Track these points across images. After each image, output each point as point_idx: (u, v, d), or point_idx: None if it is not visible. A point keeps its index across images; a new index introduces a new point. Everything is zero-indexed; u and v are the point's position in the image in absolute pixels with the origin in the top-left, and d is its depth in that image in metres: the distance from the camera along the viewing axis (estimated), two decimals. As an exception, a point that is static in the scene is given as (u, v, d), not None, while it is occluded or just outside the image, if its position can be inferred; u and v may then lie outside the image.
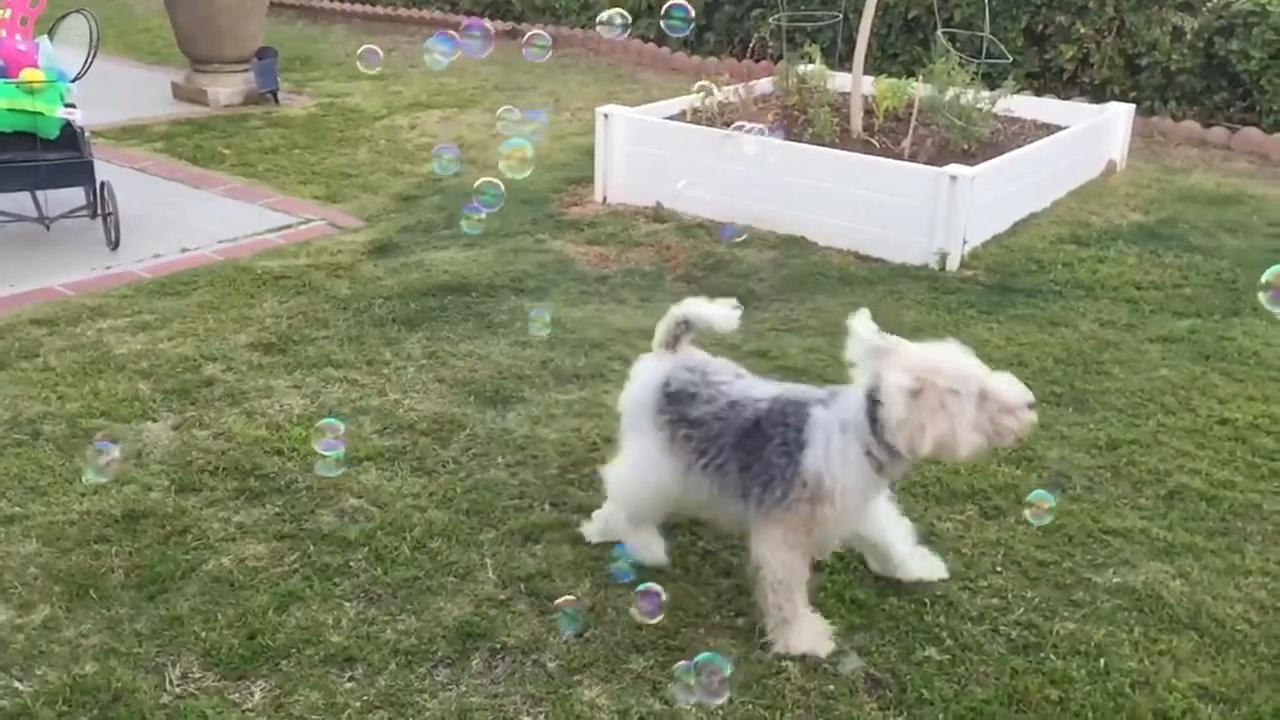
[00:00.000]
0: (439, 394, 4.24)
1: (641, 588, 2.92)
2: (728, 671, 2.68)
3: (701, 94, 6.72)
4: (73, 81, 5.61)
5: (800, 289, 5.34)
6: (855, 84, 6.73)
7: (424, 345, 4.65)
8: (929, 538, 3.36)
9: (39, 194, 5.79)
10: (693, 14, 3.82)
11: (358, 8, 13.35)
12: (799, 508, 2.79)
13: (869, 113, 6.78)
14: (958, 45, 7.54)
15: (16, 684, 2.78)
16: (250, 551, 3.29)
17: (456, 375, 4.39)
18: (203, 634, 2.95)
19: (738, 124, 5.54)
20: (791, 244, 5.89)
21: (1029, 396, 2.71)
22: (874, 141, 6.49)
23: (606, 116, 6.54)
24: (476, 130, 8.12)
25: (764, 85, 7.41)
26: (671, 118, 6.80)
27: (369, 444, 3.87)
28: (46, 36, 5.88)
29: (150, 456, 3.78)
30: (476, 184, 3.67)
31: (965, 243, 5.67)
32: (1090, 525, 3.48)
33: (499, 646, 2.93)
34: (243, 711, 2.72)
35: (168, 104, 9.03)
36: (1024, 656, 2.93)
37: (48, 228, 5.81)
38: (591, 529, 3.34)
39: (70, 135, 5.58)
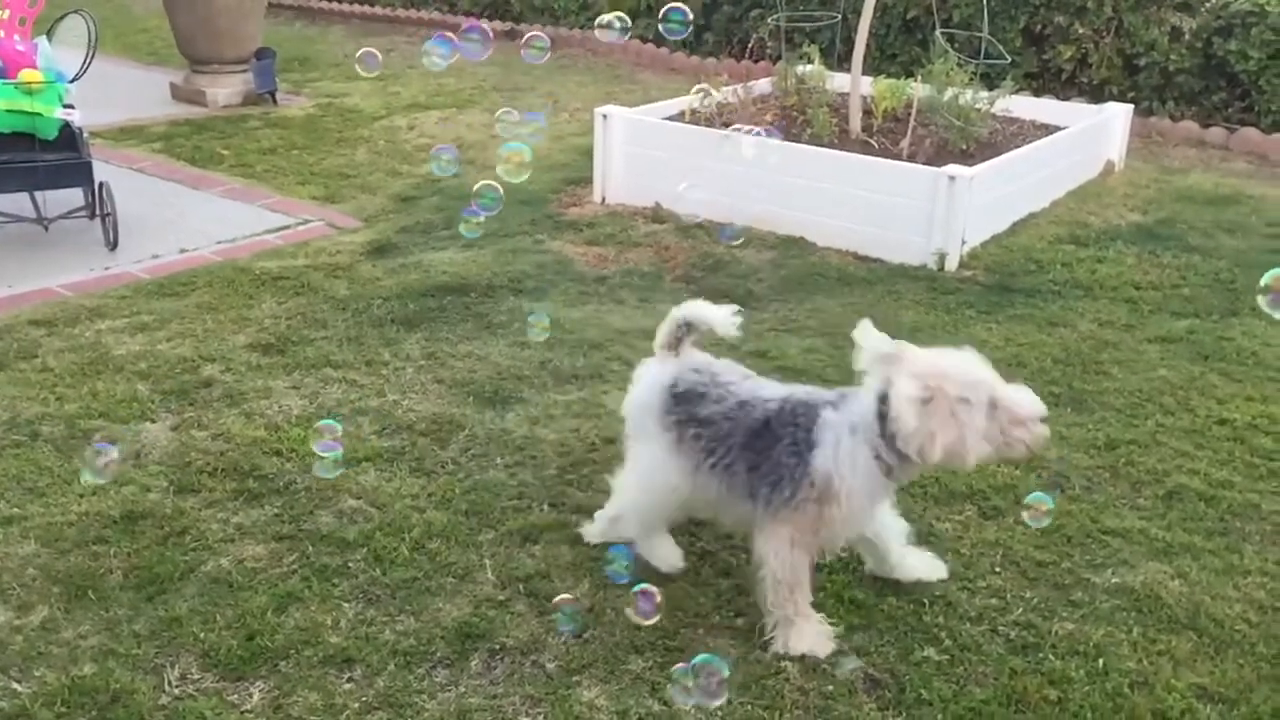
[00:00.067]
0: (438, 395, 4.24)
1: (638, 589, 2.92)
2: (725, 673, 2.68)
3: (700, 95, 6.72)
4: (71, 82, 5.61)
5: (799, 289, 5.34)
6: (854, 84, 6.73)
7: (423, 346, 4.65)
8: (928, 538, 3.37)
9: (37, 195, 5.79)
10: (690, 17, 3.82)
11: (356, 8, 13.35)
12: (807, 508, 2.79)
13: (868, 113, 6.78)
14: (956, 46, 7.55)
15: (15, 685, 2.78)
16: (249, 552, 3.29)
17: (455, 376, 4.39)
18: (201, 635, 2.95)
19: (735, 126, 5.54)
20: (790, 244, 5.89)
21: (1041, 409, 2.70)
22: (873, 142, 6.49)
23: (605, 117, 6.54)
24: (475, 131, 8.12)
25: (763, 86, 7.41)
26: (670, 118, 6.80)
27: (368, 445, 3.86)
28: (45, 37, 5.88)
29: (149, 457, 3.78)
30: (475, 188, 3.67)
31: (964, 243, 5.67)
32: (1089, 525, 3.48)
33: (498, 647, 2.93)
34: (241, 712, 2.71)
35: (166, 105, 9.03)
36: (1023, 657, 2.93)
37: (46, 228, 5.81)
38: (592, 530, 3.33)
39: (69, 136, 5.57)
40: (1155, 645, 2.97)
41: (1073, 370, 4.53)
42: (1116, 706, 2.76)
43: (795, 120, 6.80)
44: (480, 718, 2.71)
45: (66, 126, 5.54)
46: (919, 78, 6.88)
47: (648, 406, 3.04)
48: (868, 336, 2.77)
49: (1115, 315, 5.08)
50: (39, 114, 5.41)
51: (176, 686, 2.79)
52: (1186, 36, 8.20)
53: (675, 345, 3.10)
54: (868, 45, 6.98)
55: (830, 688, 2.80)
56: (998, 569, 3.27)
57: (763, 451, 2.84)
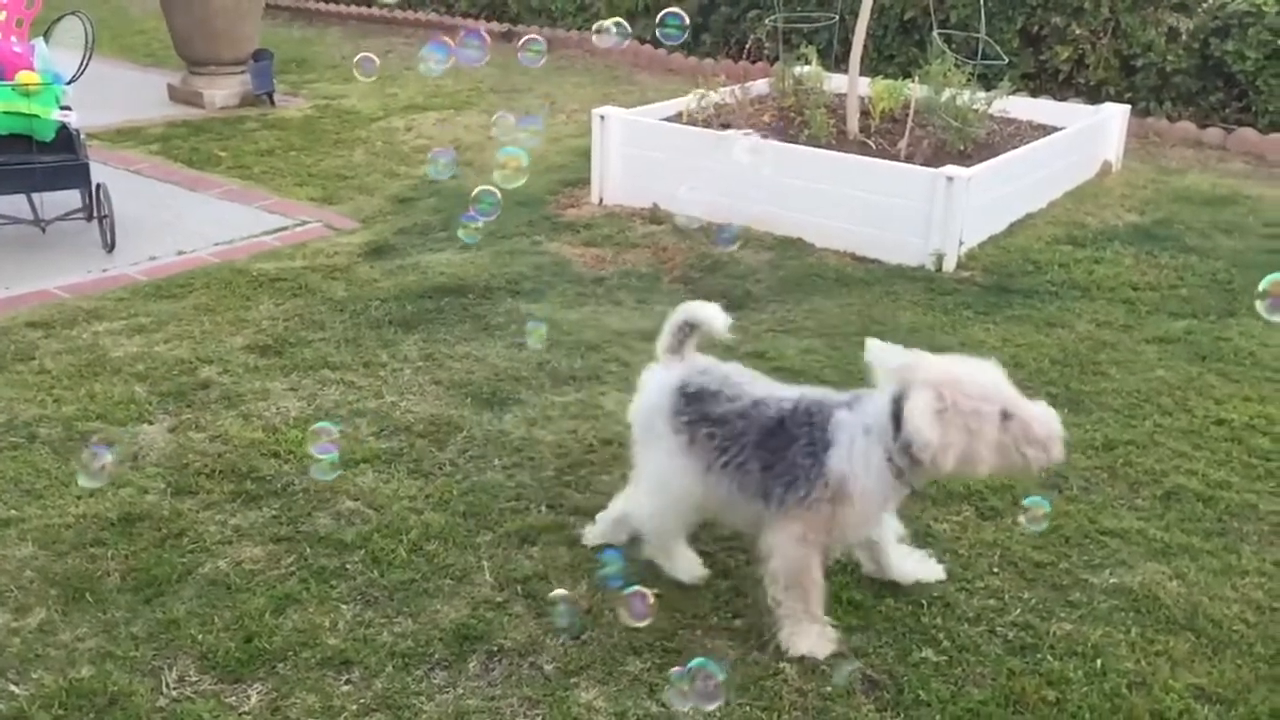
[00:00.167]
0: (435, 396, 4.24)
1: (630, 590, 2.92)
2: (721, 676, 2.68)
3: (697, 98, 6.73)
4: (68, 84, 5.61)
5: (797, 290, 5.34)
6: (851, 85, 6.74)
7: (420, 347, 4.65)
8: (926, 539, 3.37)
9: (34, 196, 5.78)
10: (687, 22, 3.84)
11: (353, 10, 13.34)
12: (820, 508, 2.78)
13: (865, 114, 6.78)
14: (953, 46, 7.55)
15: (12, 687, 2.77)
16: (247, 554, 3.29)
17: (453, 377, 4.39)
18: (199, 637, 2.94)
19: (730, 130, 5.54)
20: (788, 245, 5.89)
21: (1058, 431, 2.69)
22: (870, 143, 6.50)
23: (603, 118, 6.54)
24: (473, 132, 8.12)
25: (760, 86, 7.41)
26: (668, 119, 6.80)
27: (366, 446, 3.86)
28: (42, 39, 5.87)
29: (146, 459, 3.78)
30: (474, 193, 3.67)
31: (961, 244, 5.68)
32: (1087, 526, 3.48)
33: (496, 649, 2.93)
34: (239, 714, 2.71)
35: (163, 106, 9.02)
36: (1021, 657, 2.93)
37: (43, 230, 5.80)
38: (593, 531, 3.33)
39: (66, 138, 5.57)
40: (1153, 646, 2.97)
41: (1070, 371, 4.53)
42: (1114, 707, 2.76)
43: (793, 121, 6.81)
44: (478, 719, 2.71)
45: (63, 128, 5.53)
46: (916, 78, 6.88)
47: (657, 409, 3.01)
48: (879, 353, 2.78)
49: (1113, 316, 5.09)
50: (36, 116, 5.41)
51: (174, 688, 2.78)
52: (1183, 37, 8.20)
53: (679, 348, 3.09)
54: (865, 46, 6.98)
55: (829, 689, 2.80)
56: (996, 570, 3.28)
57: (777, 451, 2.83)
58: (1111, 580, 3.23)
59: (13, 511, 3.46)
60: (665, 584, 3.12)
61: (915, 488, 2.86)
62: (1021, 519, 3.25)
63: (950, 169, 5.62)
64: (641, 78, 10.14)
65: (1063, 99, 8.18)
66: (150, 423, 4.02)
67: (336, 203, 6.63)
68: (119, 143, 7.78)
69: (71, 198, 5.83)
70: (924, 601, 3.12)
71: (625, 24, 3.66)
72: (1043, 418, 2.69)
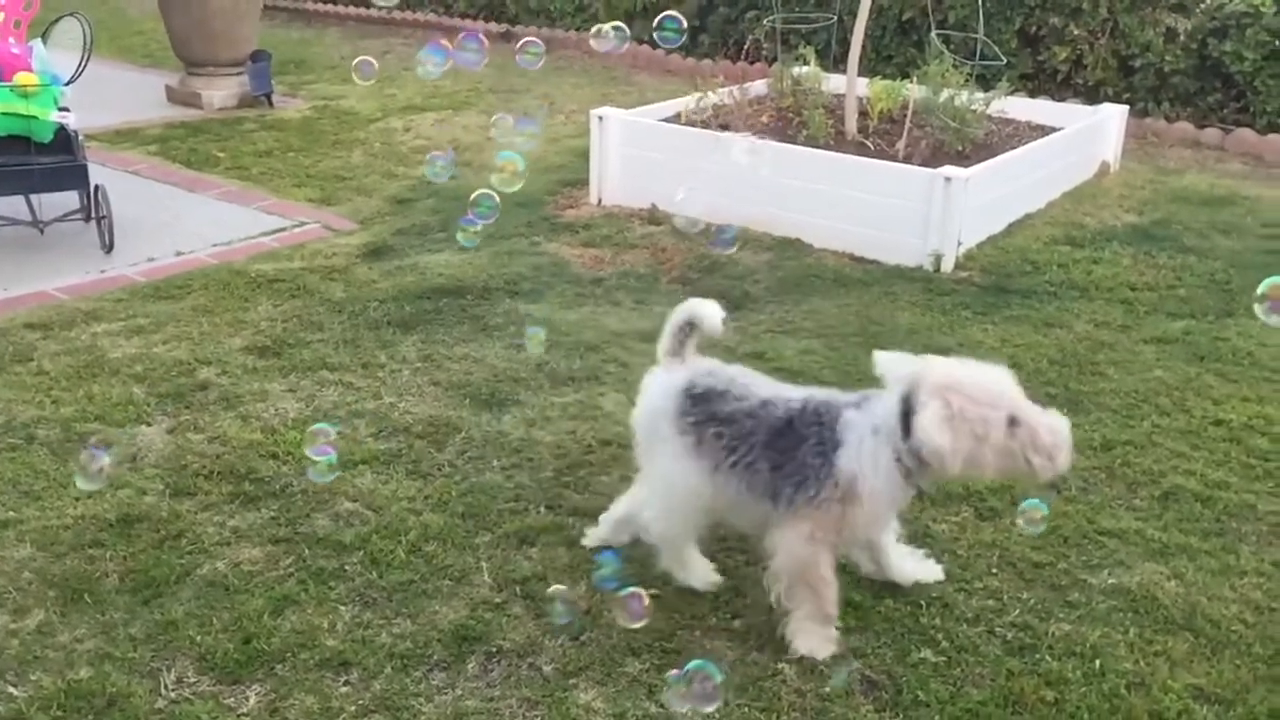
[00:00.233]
0: (434, 397, 4.24)
1: (626, 592, 2.91)
2: (719, 678, 2.67)
3: (695, 100, 6.73)
4: (66, 85, 5.60)
5: (795, 291, 5.34)
6: (850, 86, 6.74)
7: (419, 348, 4.65)
8: (925, 540, 3.37)
9: (33, 198, 5.78)
10: (685, 25, 3.84)
11: (351, 10, 13.34)
12: (830, 507, 2.78)
13: (863, 114, 6.78)
14: (952, 47, 7.55)
15: (11, 689, 2.77)
16: (245, 555, 3.29)
17: (452, 378, 4.39)
18: (198, 638, 2.94)
19: (728, 132, 5.54)
20: (786, 246, 5.90)
21: (1065, 440, 2.70)
22: (869, 143, 6.50)
23: (601, 119, 6.54)
24: (471, 133, 8.12)
25: (758, 87, 7.41)
26: (666, 120, 6.80)
27: (364, 447, 3.86)
28: (40, 40, 5.87)
29: (145, 460, 3.78)
30: (472, 196, 3.67)
31: (960, 244, 5.68)
32: (1085, 526, 3.48)
33: (495, 650, 2.93)
34: (238, 716, 2.71)
35: (162, 107, 9.02)
36: (1019, 658, 2.93)
37: (42, 231, 5.80)
38: (595, 533, 3.32)
39: (64, 139, 5.57)
40: (1152, 646, 2.97)
41: (1069, 371, 4.53)
42: (1113, 707, 2.76)
43: (791, 122, 6.81)
44: (477, 720, 2.71)
45: (62, 129, 5.53)
46: (914, 79, 6.88)
47: (662, 412, 2.99)
48: (889, 363, 2.79)
49: (1111, 316, 5.09)
50: (34, 117, 5.40)
51: (173, 690, 2.78)
52: (1181, 38, 8.21)
53: (680, 350, 3.09)
54: (863, 47, 6.98)
55: (828, 690, 2.80)
56: (994, 570, 3.28)
57: (786, 451, 2.82)
58: (1110, 581, 3.24)
59: (11, 513, 3.46)
60: (662, 585, 3.12)
61: (922, 489, 2.86)
62: (1019, 521, 3.25)
63: (948, 169, 5.62)
64: (640, 78, 10.15)
65: (1061, 99, 8.18)
66: (149, 424, 4.02)
67: (335, 204, 6.63)
68: (117, 144, 7.77)
69: (70, 199, 5.82)
70: (923, 602, 3.12)
71: (624, 28, 3.66)
72: (1051, 426, 2.70)
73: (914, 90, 6.73)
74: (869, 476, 2.76)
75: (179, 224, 6.20)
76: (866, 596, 3.13)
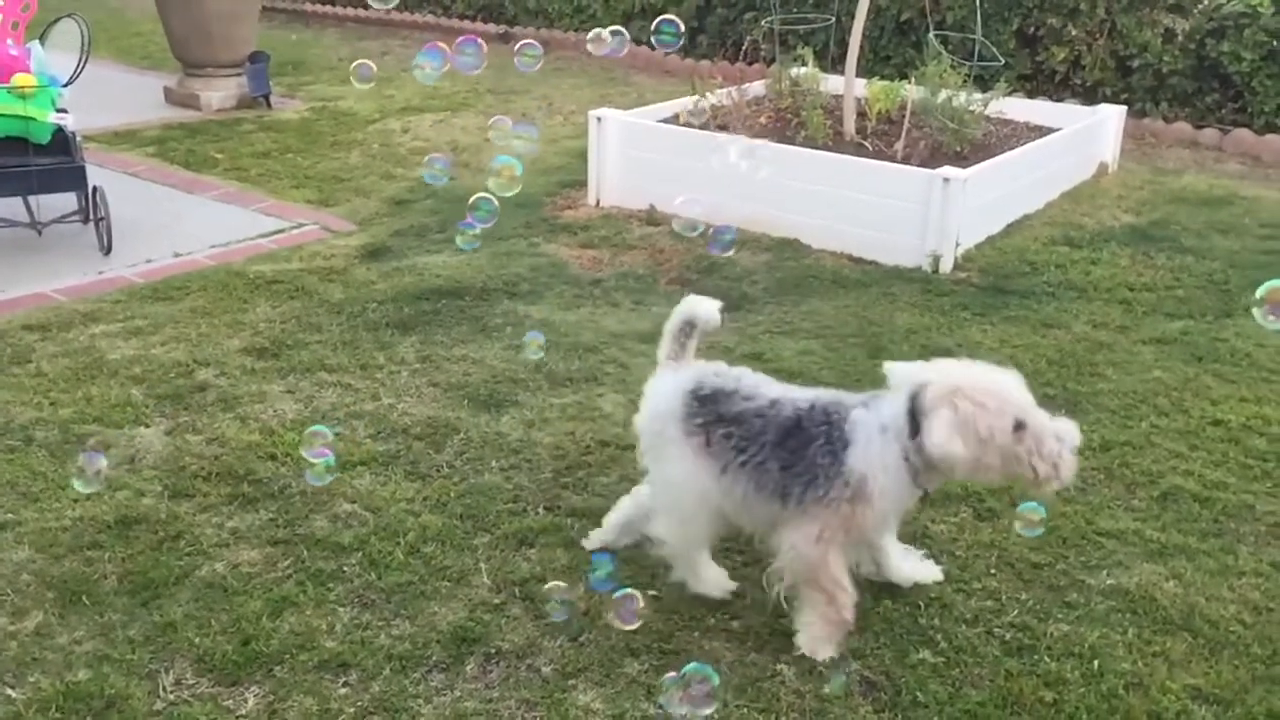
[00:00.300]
0: (433, 398, 4.24)
1: (621, 593, 2.91)
2: (716, 681, 2.67)
3: (694, 103, 6.73)
4: (64, 86, 5.60)
5: (794, 292, 5.35)
6: (848, 86, 6.74)
7: (417, 349, 4.65)
8: (923, 540, 3.37)
9: (31, 199, 5.78)
10: (683, 29, 3.85)
11: (350, 12, 13.34)
12: (839, 506, 2.78)
13: (862, 115, 6.79)
14: (950, 48, 7.56)
15: (9, 691, 2.77)
16: (244, 557, 3.29)
17: (450, 379, 4.39)
18: (196, 640, 2.94)
19: (725, 133, 5.53)
20: (785, 247, 5.90)
21: (1071, 446, 2.70)
22: (867, 144, 6.50)
23: (599, 120, 6.54)
24: (469, 134, 8.12)
25: (757, 88, 7.41)
26: (664, 121, 6.80)
27: (362, 448, 3.86)
28: (38, 41, 5.87)
29: (143, 462, 3.78)
30: (471, 200, 3.66)
31: (958, 245, 5.68)
32: (1084, 527, 3.48)
33: (493, 651, 2.93)
34: (236, 718, 2.71)
35: (160, 108, 9.01)
36: (1018, 659, 2.93)
37: (40, 233, 5.80)
38: (597, 536, 3.31)
39: (62, 140, 5.56)
40: (1150, 647, 2.97)
41: (1067, 372, 4.54)
42: (1112, 708, 2.76)
43: (789, 123, 6.81)
44: (476, 722, 2.71)
45: (60, 131, 5.53)
46: (913, 80, 6.89)
47: (669, 414, 2.97)
48: (900, 372, 2.80)
49: (1109, 317, 5.09)
50: (32, 118, 5.40)
51: (171, 692, 2.78)
52: (1179, 38, 8.21)
53: (681, 353, 3.08)
54: (861, 47, 6.98)
55: (826, 691, 2.80)
56: (993, 571, 3.28)
57: (796, 450, 2.81)
58: (1108, 581, 3.24)
59: (9, 515, 3.46)
60: (658, 587, 3.12)
61: (928, 490, 2.86)
62: (1017, 525, 3.25)
63: (947, 170, 5.63)
64: (638, 79, 10.15)
65: (1059, 100, 8.19)
66: (147, 425, 4.01)
67: (333, 205, 6.62)
68: (115, 145, 7.77)
69: (68, 200, 5.83)
70: (921, 603, 3.12)
71: (623, 31, 3.66)
72: (1059, 433, 2.70)
73: (912, 91, 6.74)
74: (878, 476, 2.75)
75: (177, 225, 6.20)
76: (865, 597, 3.12)
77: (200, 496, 3.58)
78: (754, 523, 3.01)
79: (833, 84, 7.18)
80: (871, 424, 2.78)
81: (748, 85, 7.36)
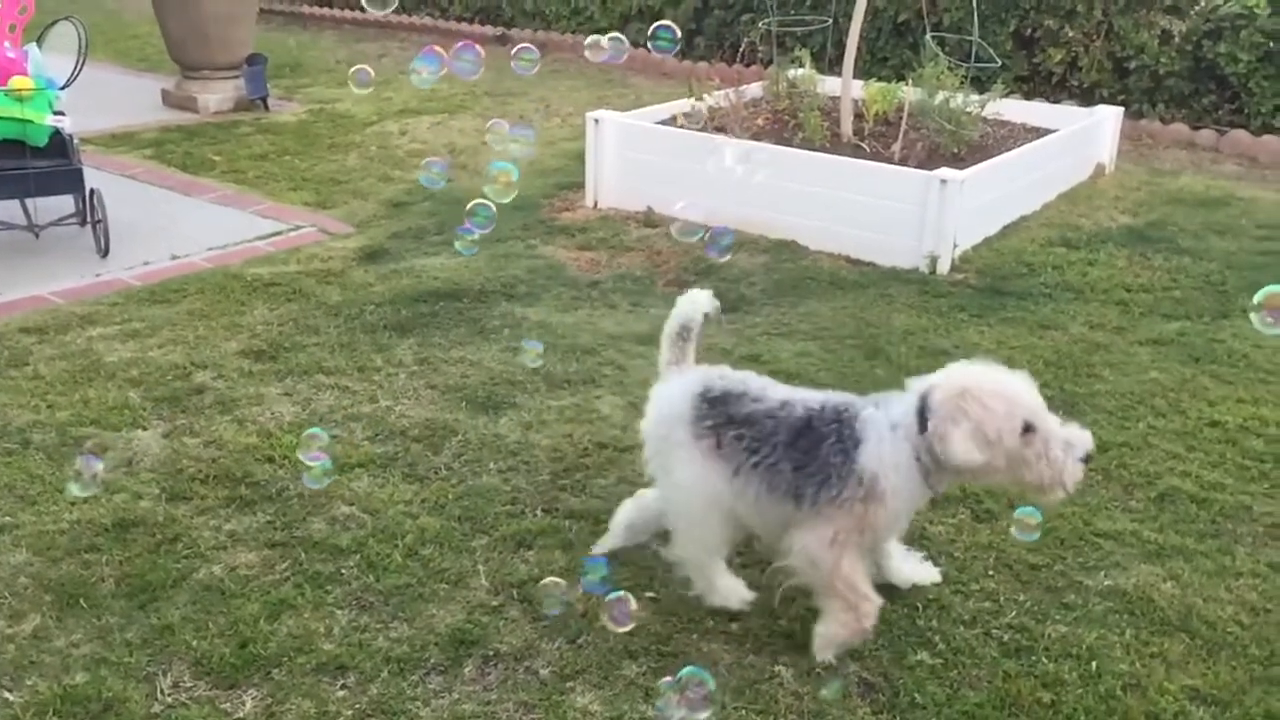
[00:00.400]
0: (430, 400, 4.24)
1: (612, 596, 2.90)
2: (711, 686, 2.66)
3: (691, 105, 6.74)
4: (62, 89, 5.60)
5: (791, 293, 5.35)
6: (845, 88, 6.75)
7: (415, 351, 4.64)
8: (922, 542, 3.37)
9: (28, 202, 5.77)
10: (679, 35, 3.86)
11: (347, 14, 13.34)
12: (852, 506, 2.77)
13: (859, 117, 6.79)
14: (947, 49, 7.56)
15: (6, 694, 2.77)
16: (241, 560, 3.29)
17: (448, 381, 4.38)
18: (194, 643, 2.94)
19: (722, 135, 5.53)
20: (782, 248, 5.90)
21: (1080, 451, 2.71)
22: (864, 145, 6.51)
23: (597, 122, 6.54)
24: (467, 136, 8.12)
25: (754, 90, 7.42)
26: (662, 123, 6.80)
27: (360, 451, 3.86)
28: (35, 44, 5.87)
29: (140, 465, 3.77)
30: (469, 206, 3.66)
31: (955, 246, 5.68)
32: (1081, 528, 3.49)
33: (491, 653, 2.93)
34: (234, 720, 2.71)
35: (157, 111, 9.01)
36: (1016, 660, 2.93)
37: (37, 235, 5.79)
38: (605, 541, 3.29)
39: (59, 143, 5.56)
40: (1148, 648, 2.98)
41: (1064, 373, 4.54)
42: (1109, 709, 2.76)
43: (787, 124, 6.81)
44: (474, 724, 2.71)
45: (57, 133, 5.53)
46: (910, 81, 6.90)
47: (678, 418, 2.94)
48: (917, 381, 2.81)
49: (1106, 318, 5.10)
50: (29, 121, 5.40)
51: (169, 695, 2.78)
52: (1176, 39, 8.23)
53: (681, 357, 3.08)
54: (858, 49, 6.99)
55: (823, 694, 2.80)
56: (991, 572, 3.28)
57: (808, 451, 2.80)
58: (1106, 582, 3.24)
59: (7, 518, 3.45)
60: (655, 588, 3.12)
61: (937, 491, 2.86)
62: (1013, 529, 3.24)
63: (944, 171, 5.63)
64: (636, 81, 10.15)
65: (1056, 101, 8.20)
66: (144, 428, 4.01)
67: (331, 207, 6.62)
68: (113, 148, 7.77)
69: (65, 203, 5.82)
70: (919, 604, 3.12)
71: (620, 38, 3.66)
72: (1069, 439, 2.71)
73: (909, 92, 6.74)
74: (890, 474, 2.75)
75: (174, 228, 6.19)
76: (863, 599, 3.13)
77: (198, 499, 3.58)
78: (766, 525, 2.97)
79: (830, 86, 7.18)
80: (882, 423, 2.78)
81: (745, 87, 7.37)
